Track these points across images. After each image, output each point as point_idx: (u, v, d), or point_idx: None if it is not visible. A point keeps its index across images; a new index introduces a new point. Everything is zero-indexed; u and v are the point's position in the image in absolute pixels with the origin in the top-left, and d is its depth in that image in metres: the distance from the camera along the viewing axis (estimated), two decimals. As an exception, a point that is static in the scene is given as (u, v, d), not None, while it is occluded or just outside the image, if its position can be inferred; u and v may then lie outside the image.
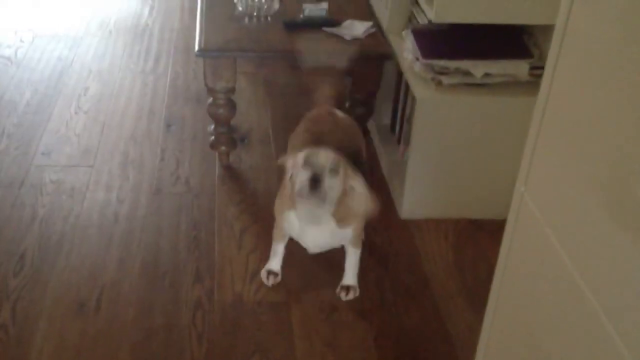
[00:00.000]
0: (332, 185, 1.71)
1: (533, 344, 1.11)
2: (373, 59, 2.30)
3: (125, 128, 2.70)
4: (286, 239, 1.99)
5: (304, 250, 2.11)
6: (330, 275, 2.02)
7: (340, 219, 1.83)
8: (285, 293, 1.97)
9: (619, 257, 0.85)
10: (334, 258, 2.05)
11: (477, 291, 2.00)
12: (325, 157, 1.72)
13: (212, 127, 2.44)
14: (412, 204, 2.27)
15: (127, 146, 2.59)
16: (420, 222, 2.28)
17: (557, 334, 1.03)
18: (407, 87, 2.44)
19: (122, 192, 2.33)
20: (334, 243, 1.95)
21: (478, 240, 2.22)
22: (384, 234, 2.22)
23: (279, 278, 2.01)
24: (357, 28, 2.38)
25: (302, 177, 1.70)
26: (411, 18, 2.38)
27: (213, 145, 2.47)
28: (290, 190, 1.79)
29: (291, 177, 1.77)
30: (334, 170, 1.71)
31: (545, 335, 1.07)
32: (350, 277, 1.99)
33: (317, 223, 1.84)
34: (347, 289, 1.98)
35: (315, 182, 1.68)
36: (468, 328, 1.88)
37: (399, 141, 2.54)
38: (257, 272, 2.03)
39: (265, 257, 2.07)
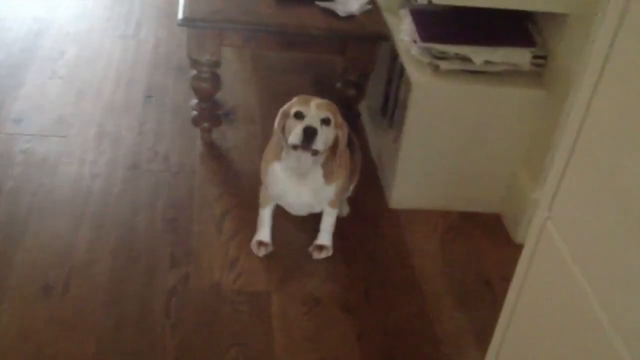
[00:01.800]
0: (325, 134, 1.70)
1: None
2: (368, 38, 2.17)
3: (103, 97, 2.56)
4: (272, 203, 1.92)
5: (288, 237, 2.02)
6: (314, 266, 1.93)
7: (327, 174, 1.81)
8: (266, 283, 1.86)
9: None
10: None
11: (466, 290, 1.92)
12: (316, 106, 1.71)
13: (195, 101, 2.31)
14: (402, 192, 2.18)
15: (103, 117, 2.45)
16: (409, 213, 2.19)
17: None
18: (402, 69, 2.32)
19: (97, 167, 2.20)
20: (317, 202, 1.89)
21: (468, 234, 2.13)
22: (372, 224, 2.12)
23: (270, 248, 1.95)
24: (351, 3, 2.25)
25: (295, 129, 1.68)
26: (410, -4, 2.25)
27: (195, 121, 2.35)
28: (278, 140, 1.76)
29: (281, 126, 1.75)
30: (327, 120, 1.71)
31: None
32: (324, 236, 1.96)
33: (304, 176, 1.80)
34: (320, 248, 1.94)
35: (309, 133, 1.66)
36: (455, 329, 1.80)
37: (390, 125, 2.43)
38: (237, 260, 1.92)
39: (246, 243, 1.97)
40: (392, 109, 2.45)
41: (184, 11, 2.09)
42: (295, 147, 1.69)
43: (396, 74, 2.40)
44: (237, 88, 2.68)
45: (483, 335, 1.78)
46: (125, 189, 2.13)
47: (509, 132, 2.07)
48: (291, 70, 2.84)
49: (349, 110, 2.33)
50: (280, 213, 2.02)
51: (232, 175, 2.25)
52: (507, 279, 1.95)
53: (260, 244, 1.95)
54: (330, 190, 1.86)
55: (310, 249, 1.96)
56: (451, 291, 1.92)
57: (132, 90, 2.61)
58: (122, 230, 1.97)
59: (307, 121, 1.67)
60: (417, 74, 2.00)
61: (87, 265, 1.85)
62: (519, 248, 2.07)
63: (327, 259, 1.96)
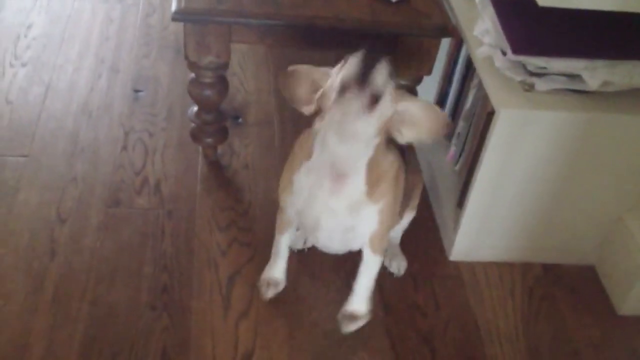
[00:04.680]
0: (386, 86, 1.14)
1: None
2: (426, 32, 1.59)
3: (77, 93, 1.99)
4: (291, 228, 1.45)
5: (313, 306, 1.51)
6: (351, 356, 1.43)
7: (372, 182, 1.25)
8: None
9: None
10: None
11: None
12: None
13: (194, 110, 1.75)
14: (468, 241, 1.64)
15: (77, 124, 1.89)
16: (475, 267, 1.66)
17: None
18: (468, 68, 1.75)
19: (66, 204, 1.66)
20: (354, 225, 1.32)
21: (555, 300, 1.61)
22: (426, 288, 1.60)
23: (280, 287, 1.51)
24: (403, -20, 1.65)
25: (346, 68, 1.14)
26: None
27: (194, 136, 1.79)
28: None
29: (321, 95, 1.20)
30: (390, 74, 1.15)
31: None
32: (357, 301, 1.44)
33: (340, 180, 1.24)
34: (352, 316, 1.44)
35: (368, 63, 1.12)
36: None
37: (448, 136, 1.87)
38: (250, 354, 1.41)
39: (262, 326, 1.46)
40: (450, 114, 1.88)
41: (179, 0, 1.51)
42: (345, 86, 1.13)
43: (458, 70, 1.82)
44: (246, 78, 2.10)
45: None
46: (100, 241, 1.59)
47: (620, 169, 1.52)
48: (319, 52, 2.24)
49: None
50: (301, 269, 1.52)
51: (243, 211, 1.71)
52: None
53: (270, 282, 1.50)
54: (372, 212, 1.29)
55: (339, 316, 1.45)
56: (540, 396, 1.41)
57: (116, 82, 2.04)
58: (95, 312, 1.44)
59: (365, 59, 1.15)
60: (503, 96, 1.42)
61: (47, 367, 1.35)
62: (621, 322, 1.58)
63: (365, 344, 1.45)
